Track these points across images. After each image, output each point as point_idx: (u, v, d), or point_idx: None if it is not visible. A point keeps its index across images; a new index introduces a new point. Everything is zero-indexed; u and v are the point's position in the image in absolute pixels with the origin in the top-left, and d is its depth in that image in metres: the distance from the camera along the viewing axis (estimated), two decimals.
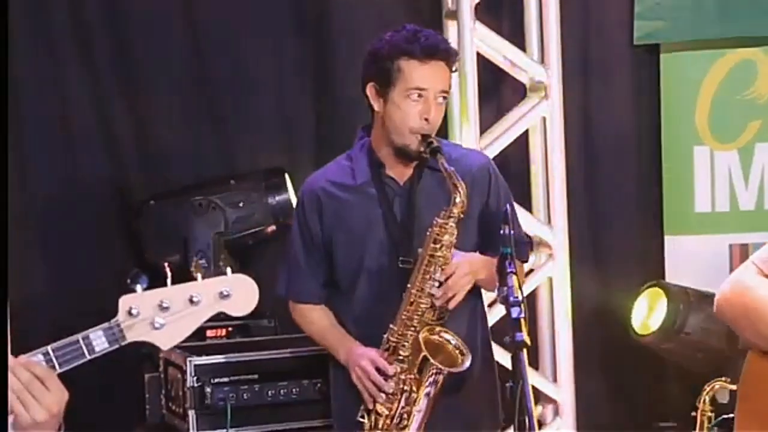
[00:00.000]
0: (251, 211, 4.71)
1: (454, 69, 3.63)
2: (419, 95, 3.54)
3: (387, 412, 3.55)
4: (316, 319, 3.78)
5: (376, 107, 3.62)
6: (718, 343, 4.65)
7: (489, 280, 3.56)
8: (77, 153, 4.85)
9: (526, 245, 3.87)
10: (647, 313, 4.92)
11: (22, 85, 4.68)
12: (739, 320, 3.06)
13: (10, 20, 4.56)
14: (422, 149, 3.55)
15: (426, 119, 3.55)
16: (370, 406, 3.57)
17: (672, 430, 4.98)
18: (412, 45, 3.54)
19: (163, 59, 4.92)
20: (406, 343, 3.55)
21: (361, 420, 3.59)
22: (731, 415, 3.32)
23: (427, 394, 3.52)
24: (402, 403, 3.54)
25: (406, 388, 3.53)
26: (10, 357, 2.36)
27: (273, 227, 4.73)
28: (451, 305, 3.54)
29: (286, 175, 4.74)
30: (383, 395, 3.54)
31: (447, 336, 3.55)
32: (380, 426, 3.55)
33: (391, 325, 3.56)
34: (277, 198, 4.72)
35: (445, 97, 3.60)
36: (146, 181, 4.91)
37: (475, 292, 3.67)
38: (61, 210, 4.82)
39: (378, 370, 3.55)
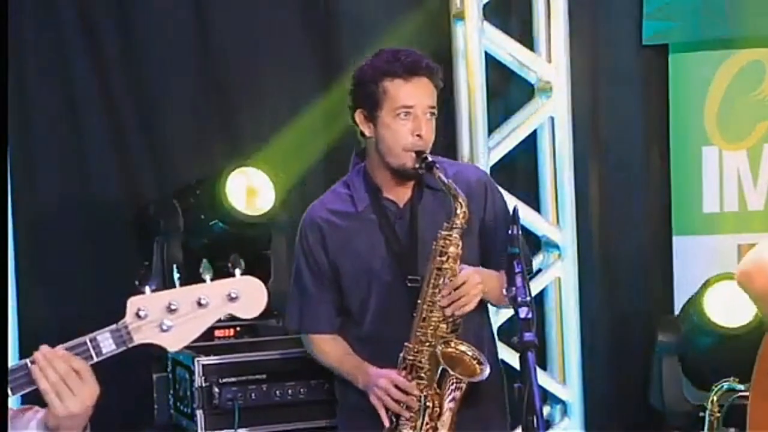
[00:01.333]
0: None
1: (440, 85, 3.63)
2: (407, 113, 3.55)
3: (412, 431, 3.53)
4: (330, 349, 3.77)
5: (367, 133, 3.63)
6: None
7: (493, 294, 3.58)
8: (86, 154, 4.85)
9: (525, 257, 3.83)
10: (728, 305, 4.74)
11: (29, 85, 4.69)
12: (763, 291, 3.06)
13: (19, 20, 4.60)
14: (417, 166, 3.55)
15: (418, 135, 3.55)
16: (390, 425, 3.55)
17: (680, 430, 4.97)
18: (393, 65, 3.56)
19: (170, 53, 4.93)
20: (423, 359, 3.53)
21: None
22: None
23: (450, 407, 3.51)
24: (426, 419, 3.52)
25: (428, 404, 3.52)
26: (47, 349, 2.37)
27: None
28: (465, 310, 3.52)
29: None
30: (407, 413, 3.53)
31: (463, 347, 3.55)
32: None
33: (406, 344, 3.55)
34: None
35: (433, 113, 3.60)
36: (155, 180, 4.91)
37: (481, 305, 3.67)
38: (70, 211, 4.82)
39: (398, 388, 3.53)
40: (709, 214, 5.26)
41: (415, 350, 3.53)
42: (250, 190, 4.63)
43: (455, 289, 3.50)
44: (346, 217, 3.69)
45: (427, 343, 3.52)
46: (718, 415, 4.14)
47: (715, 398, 4.14)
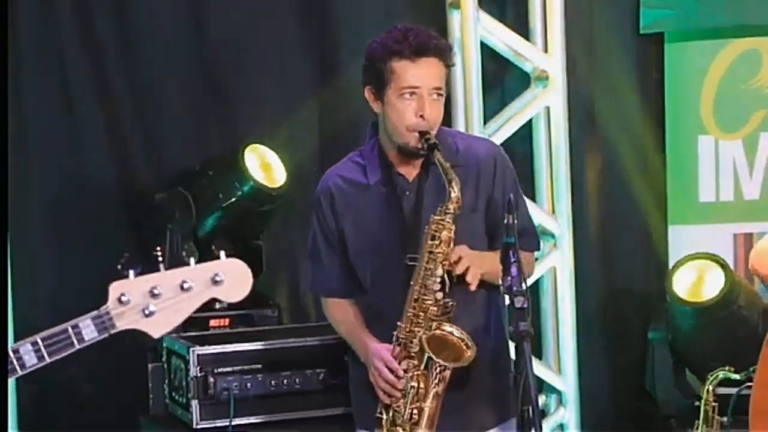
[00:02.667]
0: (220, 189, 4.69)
1: (451, 64, 3.65)
2: (413, 93, 3.57)
3: (400, 409, 3.57)
4: (341, 317, 3.81)
5: (375, 110, 3.66)
6: (757, 320, 4.64)
7: (494, 274, 3.56)
8: (80, 147, 4.84)
9: (535, 235, 3.85)
10: (696, 282, 4.80)
11: (24, 77, 4.67)
12: None
13: (14, 13, 4.58)
14: (420, 146, 3.57)
15: (421, 116, 3.57)
16: (387, 403, 3.60)
17: (675, 419, 4.97)
18: (401, 45, 3.57)
19: (167, 47, 4.91)
20: (414, 340, 3.57)
21: (379, 416, 3.61)
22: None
23: (435, 390, 3.55)
24: (412, 400, 3.56)
25: (413, 384, 3.56)
26: None
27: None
28: (471, 282, 3.53)
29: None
30: (397, 393, 3.57)
31: (451, 330, 3.56)
32: (397, 422, 3.58)
33: (398, 323, 3.58)
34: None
35: (440, 94, 3.61)
36: (150, 171, 4.91)
37: (487, 286, 3.67)
38: (64, 203, 4.81)
39: (389, 369, 3.57)
40: (705, 203, 5.25)
41: (407, 330, 3.57)
42: (264, 165, 4.70)
43: (454, 263, 3.52)
44: (356, 187, 3.72)
45: (418, 324, 3.56)
46: (714, 404, 4.13)
47: (710, 387, 4.13)
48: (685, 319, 4.83)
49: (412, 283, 3.56)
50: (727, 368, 4.12)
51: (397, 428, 3.58)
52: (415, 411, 3.56)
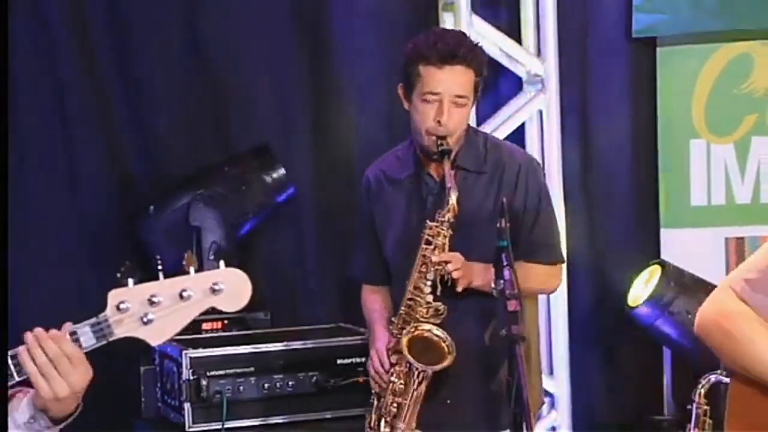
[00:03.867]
0: (252, 192, 4.73)
1: (482, 72, 3.67)
2: (433, 99, 3.63)
3: (386, 400, 3.67)
4: (367, 302, 3.95)
5: (406, 107, 3.75)
6: None
7: (488, 286, 3.60)
8: (73, 148, 4.83)
9: (554, 246, 3.84)
10: (642, 288, 4.90)
11: (18, 79, 4.66)
12: (721, 348, 2.94)
13: (7, 10, 4.57)
14: (434, 150, 3.63)
15: (438, 122, 3.61)
16: (377, 390, 3.73)
17: (668, 423, 4.98)
18: (429, 51, 3.63)
19: (160, 49, 4.90)
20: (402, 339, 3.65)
21: (373, 402, 3.74)
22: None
23: (415, 390, 3.62)
24: (392, 393, 3.65)
25: (393, 380, 3.66)
26: (39, 330, 2.32)
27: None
28: (456, 278, 3.58)
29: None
30: (383, 384, 3.68)
31: (435, 331, 3.62)
32: (382, 412, 3.68)
33: (392, 318, 3.70)
34: (273, 174, 4.75)
35: (462, 102, 3.64)
36: (144, 171, 4.90)
37: (485, 294, 3.69)
38: (59, 207, 4.80)
39: (380, 360, 3.69)
40: (696, 207, 5.26)
41: (399, 327, 3.68)
42: None
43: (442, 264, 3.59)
44: (389, 181, 3.84)
45: (408, 324, 3.64)
46: (706, 407, 4.13)
47: (702, 391, 4.13)
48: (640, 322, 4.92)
49: (407, 282, 3.64)
50: (719, 371, 4.12)
51: (381, 418, 3.69)
52: (395, 404, 3.65)
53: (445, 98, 3.62)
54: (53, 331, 2.32)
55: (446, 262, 3.57)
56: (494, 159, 3.74)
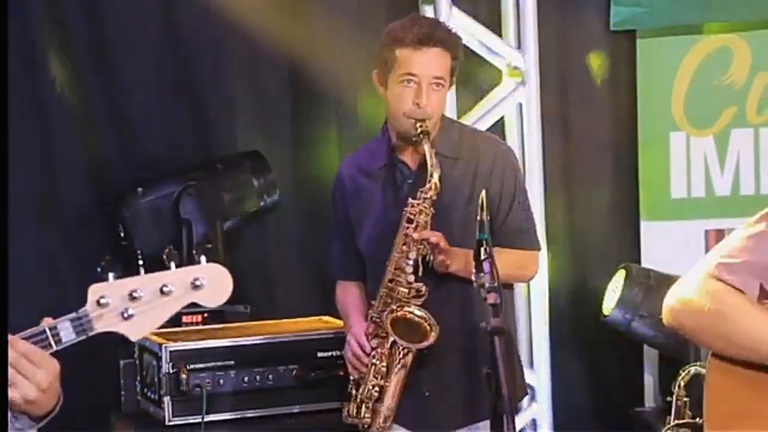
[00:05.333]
0: (242, 194, 4.75)
1: (458, 55, 3.70)
2: (411, 81, 3.63)
3: (365, 385, 3.67)
4: (341, 296, 3.96)
5: (381, 94, 3.75)
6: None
7: (466, 270, 3.59)
8: (54, 147, 4.81)
9: (530, 232, 3.88)
10: (612, 294, 4.92)
11: None
12: (703, 329, 2.89)
13: None
14: (414, 133, 3.63)
15: (417, 104, 3.62)
16: (356, 377, 3.71)
17: (648, 414, 4.99)
18: (406, 33, 3.65)
19: (139, 40, 4.89)
20: (383, 320, 3.67)
21: (350, 392, 3.73)
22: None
23: (398, 370, 3.63)
24: (373, 376, 3.66)
25: (375, 362, 3.66)
26: None
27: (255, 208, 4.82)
28: (438, 257, 3.58)
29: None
30: (363, 368, 3.68)
31: (416, 311, 3.64)
32: (360, 398, 3.68)
33: (372, 301, 3.70)
34: (262, 179, 4.79)
35: (440, 84, 3.66)
36: (124, 167, 4.88)
37: (463, 282, 3.69)
38: (39, 198, 4.77)
39: (359, 344, 3.69)
40: (676, 199, 5.27)
41: (379, 310, 3.68)
42: None
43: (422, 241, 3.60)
44: (364, 173, 3.84)
45: (388, 305, 3.65)
46: (686, 399, 4.15)
47: (682, 383, 4.15)
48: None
49: (387, 263, 3.64)
50: (698, 364, 4.14)
51: (362, 404, 3.68)
52: (376, 388, 3.65)
53: (423, 80, 3.62)
54: (10, 337, 2.29)
55: (427, 240, 3.57)
56: (470, 146, 3.76)
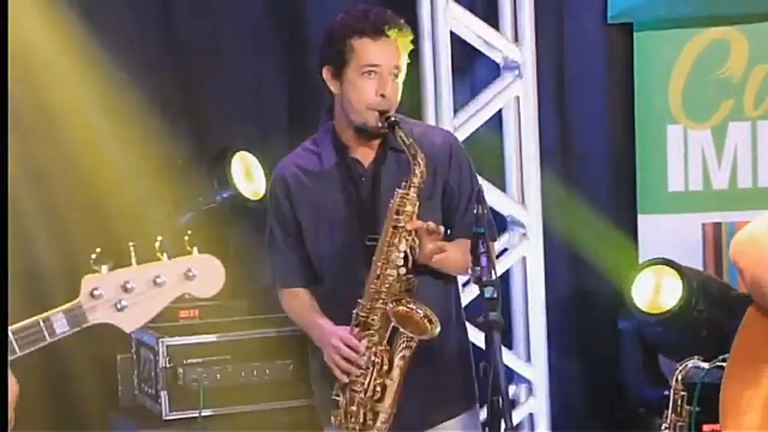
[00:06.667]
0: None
1: (410, 46, 3.65)
2: (373, 72, 3.57)
3: (361, 387, 3.55)
4: (296, 304, 3.79)
5: (333, 89, 3.66)
6: (722, 316, 4.66)
7: (450, 264, 3.60)
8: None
9: (492, 225, 3.84)
10: (654, 292, 4.84)
11: None
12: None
13: None
14: (380, 125, 3.57)
15: (382, 95, 3.57)
16: (345, 381, 3.57)
17: (645, 408, 4.99)
18: (362, 23, 3.58)
19: (136, 47, 4.88)
20: (375, 317, 3.56)
21: (336, 398, 3.59)
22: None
23: (400, 365, 3.54)
24: (374, 376, 3.55)
25: (377, 360, 3.54)
26: None
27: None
28: (426, 254, 3.53)
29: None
30: (356, 370, 3.55)
31: (415, 306, 3.56)
32: (355, 402, 3.56)
33: (359, 300, 3.57)
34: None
35: (398, 74, 3.61)
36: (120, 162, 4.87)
37: (444, 276, 3.68)
38: (31, 198, 4.77)
39: (348, 347, 3.55)
40: (673, 192, 5.27)
41: (368, 307, 3.56)
42: (248, 175, 4.71)
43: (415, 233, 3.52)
44: (311, 174, 3.71)
45: (380, 301, 3.55)
46: (683, 393, 4.14)
47: (679, 377, 4.14)
48: (648, 327, 4.85)
49: (374, 258, 3.55)
50: (696, 358, 4.14)
51: (356, 408, 3.55)
52: (378, 387, 3.55)
53: (384, 71, 3.57)
54: None
55: (424, 228, 3.50)
56: (422, 138, 3.64)
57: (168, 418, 4.14)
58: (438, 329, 3.52)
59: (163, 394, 4.14)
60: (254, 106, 5.04)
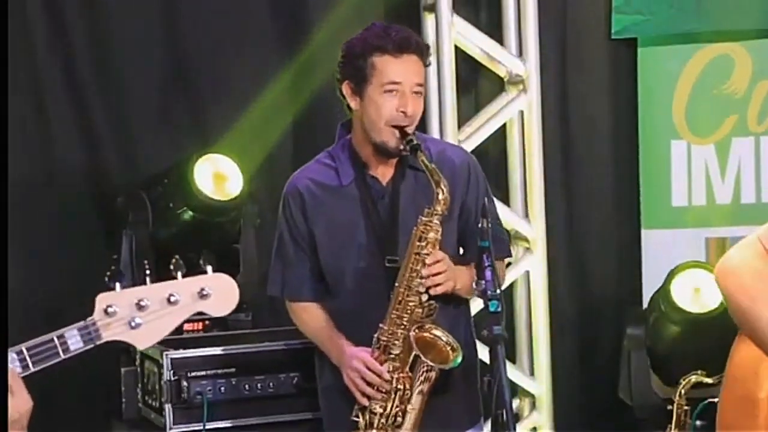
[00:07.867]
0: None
1: (427, 63, 3.66)
2: (395, 90, 3.56)
3: (381, 411, 3.54)
4: (310, 319, 3.78)
5: (353, 106, 3.64)
6: None
7: (465, 289, 3.61)
8: (51, 145, 4.81)
9: (506, 241, 3.86)
10: (695, 293, 4.75)
11: None
12: (740, 308, 3.10)
13: None
14: (401, 147, 3.56)
15: (403, 112, 3.56)
16: (365, 404, 3.56)
17: (648, 423, 4.98)
18: (384, 40, 3.57)
19: (139, 43, 4.89)
20: (396, 342, 3.55)
21: (356, 419, 3.58)
22: (714, 400, 3.37)
23: (420, 392, 3.53)
24: (396, 402, 3.54)
25: (399, 386, 3.53)
26: None
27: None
28: (437, 290, 3.53)
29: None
30: (378, 394, 3.54)
31: (437, 332, 3.55)
32: (375, 425, 3.54)
33: (381, 324, 3.56)
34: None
35: (420, 92, 3.61)
36: (123, 171, 4.88)
37: (457, 298, 3.68)
38: (36, 202, 4.77)
39: (370, 370, 3.54)
40: (677, 207, 5.27)
41: (390, 332, 3.54)
42: (217, 176, 4.63)
43: (435, 263, 3.51)
44: (328, 190, 3.69)
45: (402, 326, 3.53)
46: (686, 408, 4.15)
47: (682, 391, 4.15)
48: (675, 326, 4.82)
49: (396, 284, 3.53)
50: (699, 372, 4.14)
51: (376, 431, 3.54)
52: (399, 413, 3.53)
53: (406, 88, 3.56)
54: None
55: (435, 275, 3.50)
56: (440, 157, 3.66)
57: (172, 431, 4.14)
58: (460, 358, 3.51)
59: (168, 407, 4.14)
60: (255, 107, 5.03)
